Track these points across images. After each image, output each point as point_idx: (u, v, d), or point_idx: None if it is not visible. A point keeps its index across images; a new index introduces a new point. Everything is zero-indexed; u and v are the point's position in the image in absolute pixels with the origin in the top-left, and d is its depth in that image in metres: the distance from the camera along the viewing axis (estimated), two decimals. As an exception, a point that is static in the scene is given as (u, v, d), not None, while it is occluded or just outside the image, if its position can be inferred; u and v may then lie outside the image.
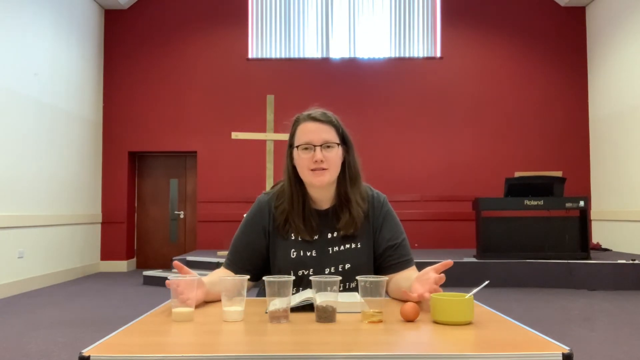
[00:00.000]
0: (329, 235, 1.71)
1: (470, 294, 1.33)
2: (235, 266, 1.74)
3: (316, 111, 1.69)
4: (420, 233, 8.67)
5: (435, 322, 1.30)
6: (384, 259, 1.73)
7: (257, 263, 1.74)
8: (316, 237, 1.70)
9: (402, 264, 1.72)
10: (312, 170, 1.64)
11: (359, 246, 1.70)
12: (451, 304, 1.28)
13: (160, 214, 9.28)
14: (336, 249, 1.69)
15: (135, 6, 9.18)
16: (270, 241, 1.73)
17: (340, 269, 1.67)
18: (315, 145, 1.64)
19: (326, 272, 1.67)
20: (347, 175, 1.71)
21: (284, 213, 1.70)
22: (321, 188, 1.69)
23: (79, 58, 8.26)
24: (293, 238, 1.70)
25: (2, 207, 6.25)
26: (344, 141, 1.72)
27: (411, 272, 1.70)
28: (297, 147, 1.66)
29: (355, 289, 1.50)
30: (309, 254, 1.68)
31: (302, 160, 1.66)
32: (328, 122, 1.68)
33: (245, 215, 1.81)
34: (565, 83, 9.10)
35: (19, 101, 6.63)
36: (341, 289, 1.59)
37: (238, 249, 1.75)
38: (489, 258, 6.73)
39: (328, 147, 1.65)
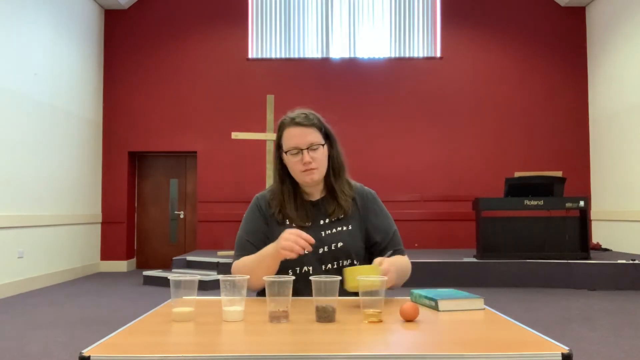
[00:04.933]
0: (322, 222, 1.81)
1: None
2: (245, 254, 1.81)
3: (299, 115, 1.80)
4: (420, 233, 8.66)
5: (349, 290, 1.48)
6: (381, 248, 1.83)
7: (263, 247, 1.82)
8: (309, 224, 1.80)
9: (394, 254, 1.83)
10: (302, 171, 1.77)
11: (350, 228, 1.81)
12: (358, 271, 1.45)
13: (160, 214, 9.28)
14: (329, 232, 1.80)
15: (135, 6, 9.19)
16: (269, 228, 1.83)
17: (333, 248, 1.77)
18: (302, 149, 1.76)
19: (320, 252, 1.76)
20: (330, 168, 1.84)
21: (279, 204, 1.84)
22: (313, 184, 1.82)
23: (79, 58, 8.26)
24: (287, 224, 1.81)
25: (2, 207, 6.25)
26: (328, 137, 1.84)
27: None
28: (286, 152, 1.79)
29: (349, 267, 1.61)
30: None
31: (292, 163, 1.79)
32: (310, 125, 1.78)
33: (245, 214, 1.91)
34: (565, 83, 9.10)
35: (19, 101, 6.63)
36: (335, 266, 1.75)
37: (243, 238, 1.84)
38: (489, 258, 6.73)
39: (314, 148, 1.76)
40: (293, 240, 1.57)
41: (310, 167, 1.76)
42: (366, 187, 1.92)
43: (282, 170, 1.84)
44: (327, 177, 1.84)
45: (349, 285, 1.49)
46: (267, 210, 1.85)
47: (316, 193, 1.86)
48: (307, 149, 1.75)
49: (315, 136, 1.78)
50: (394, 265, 1.57)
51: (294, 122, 1.78)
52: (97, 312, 5.21)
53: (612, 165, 8.35)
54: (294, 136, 1.76)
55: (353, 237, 1.80)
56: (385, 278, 1.39)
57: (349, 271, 1.51)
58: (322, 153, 1.79)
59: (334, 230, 1.79)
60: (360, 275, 1.39)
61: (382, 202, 1.93)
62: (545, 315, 4.93)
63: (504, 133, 9.03)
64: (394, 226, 1.88)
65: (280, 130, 1.82)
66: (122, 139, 9.03)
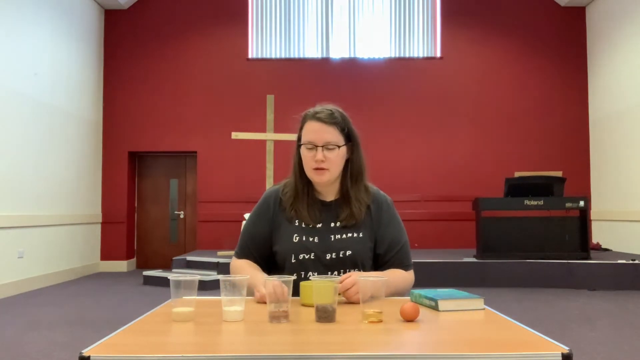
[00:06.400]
0: (332, 224, 1.76)
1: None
2: (244, 255, 1.82)
3: (323, 110, 1.75)
4: (420, 233, 8.66)
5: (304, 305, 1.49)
6: (385, 260, 1.78)
7: (263, 252, 1.81)
8: (319, 225, 1.76)
9: (398, 268, 1.79)
10: (314, 169, 1.72)
11: (360, 235, 1.75)
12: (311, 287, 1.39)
13: (160, 214, 9.28)
14: (338, 236, 1.74)
15: (135, 6, 9.18)
16: (274, 227, 1.79)
17: (341, 255, 1.72)
18: (317, 146, 1.71)
19: (327, 258, 1.72)
20: (348, 173, 1.78)
21: (290, 199, 1.79)
22: (323, 185, 1.77)
23: (79, 58, 8.26)
24: (297, 224, 1.76)
25: (2, 207, 6.24)
26: (350, 139, 1.77)
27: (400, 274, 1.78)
28: (303, 145, 1.75)
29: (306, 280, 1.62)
30: (311, 239, 1.73)
31: (305, 158, 1.74)
32: (332, 123, 1.73)
33: (254, 208, 1.88)
34: (565, 83, 9.10)
35: (19, 101, 6.62)
36: (342, 274, 1.69)
37: (245, 239, 1.83)
38: (489, 258, 6.73)
39: (329, 148, 1.71)
40: (275, 293, 1.37)
41: (322, 166, 1.70)
42: (382, 193, 1.85)
43: (300, 164, 1.78)
44: (343, 181, 1.78)
45: (302, 302, 1.52)
46: (276, 207, 1.80)
47: (330, 194, 1.80)
48: (322, 147, 1.70)
49: (334, 136, 1.72)
50: (362, 281, 1.45)
51: (316, 117, 1.73)
52: (97, 312, 5.21)
53: (612, 165, 8.34)
54: (312, 131, 1.72)
55: (363, 245, 1.74)
56: (337, 283, 1.36)
57: (303, 286, 1.51)
58: (338, 155, 1.73)
59: (344, 236, 1.74)
60: (314, 291, 1.34)
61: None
62: (545, 315, 4.93)
63: (504, 133, 9.03)
64: (403, 239, 1.80)
65: (302, 123, 1.77)
66: (122, 139, 9.03)
